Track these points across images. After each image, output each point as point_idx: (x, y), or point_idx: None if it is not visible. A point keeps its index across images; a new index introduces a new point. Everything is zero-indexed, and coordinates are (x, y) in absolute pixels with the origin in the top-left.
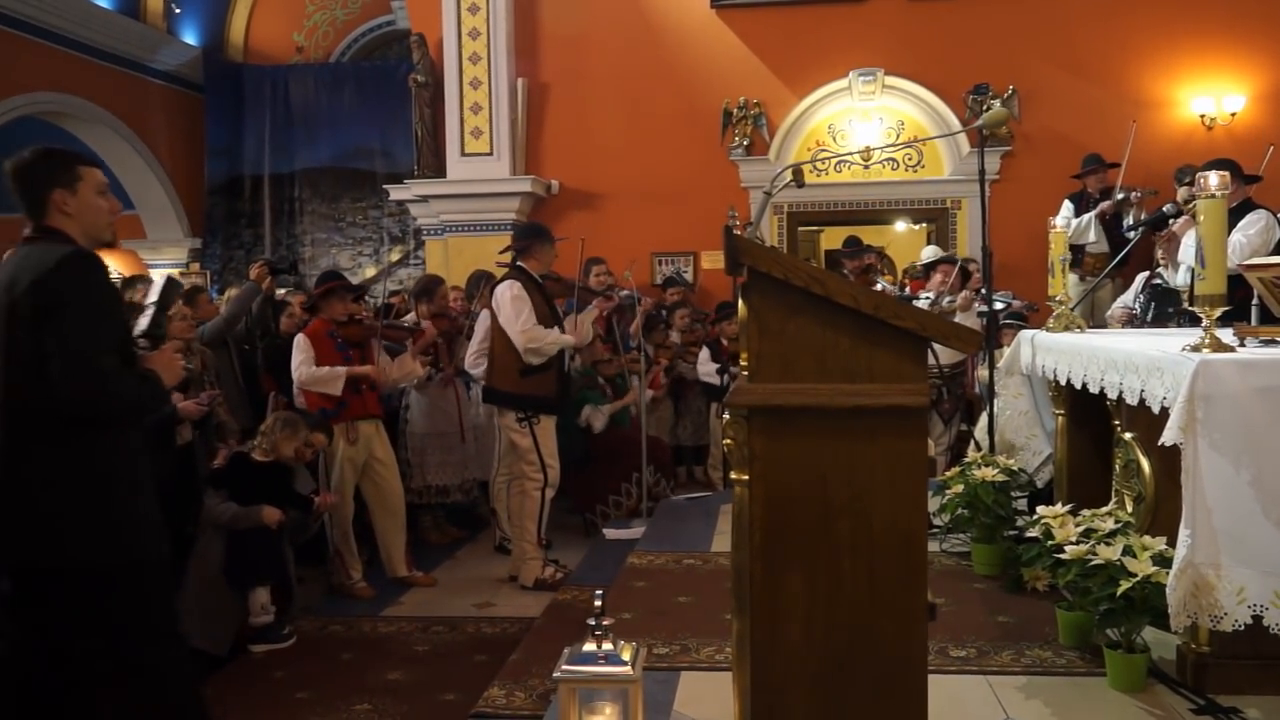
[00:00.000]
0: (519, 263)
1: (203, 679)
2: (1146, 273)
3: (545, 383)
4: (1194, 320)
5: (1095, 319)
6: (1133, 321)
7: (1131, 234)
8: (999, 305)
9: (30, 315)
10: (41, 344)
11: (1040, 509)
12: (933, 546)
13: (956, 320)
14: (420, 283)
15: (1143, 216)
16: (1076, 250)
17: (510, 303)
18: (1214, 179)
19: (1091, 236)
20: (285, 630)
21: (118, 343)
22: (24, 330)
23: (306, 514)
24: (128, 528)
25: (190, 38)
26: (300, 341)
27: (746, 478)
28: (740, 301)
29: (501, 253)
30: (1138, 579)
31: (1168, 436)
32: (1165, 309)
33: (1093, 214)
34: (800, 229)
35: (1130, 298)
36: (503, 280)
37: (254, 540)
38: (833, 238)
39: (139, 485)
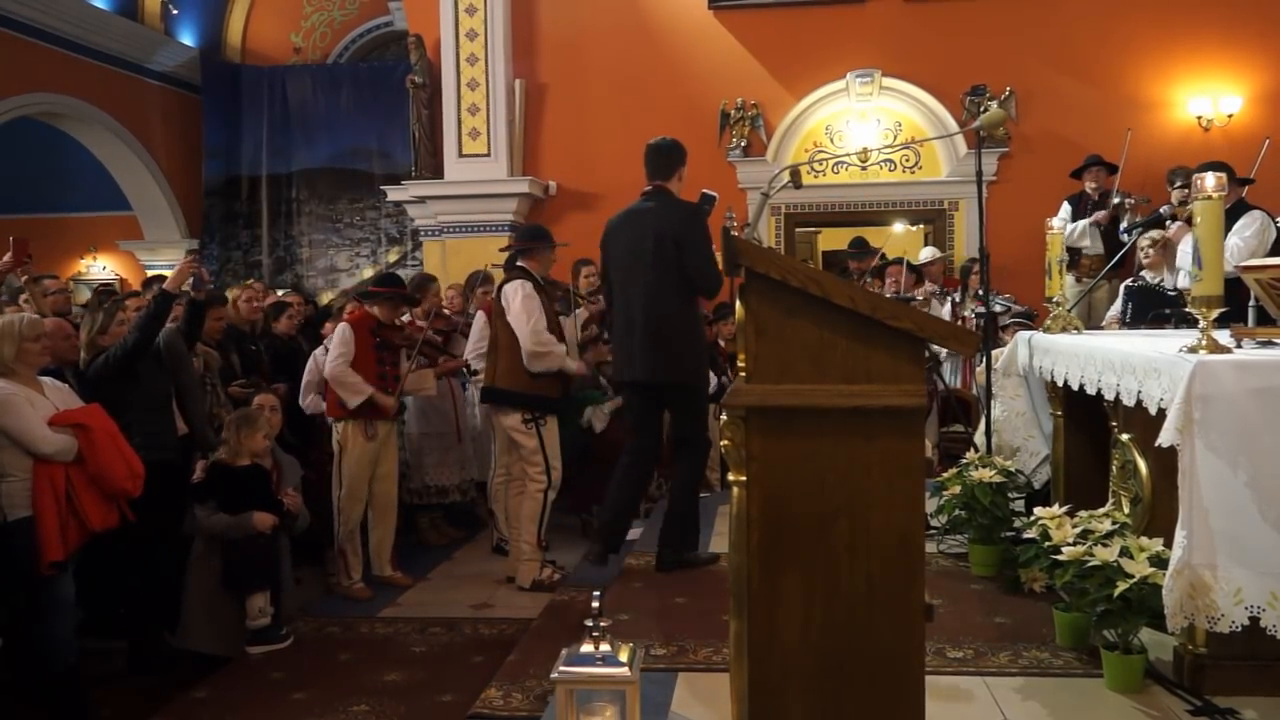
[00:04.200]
0: (519, 263)
1: (204, 679)
2: (1131, 279)
3: (553, 384)
4: (1186, 321)
5: (1092, 320)
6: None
7: (1127, 237)
8: (998, 308)
9: (674, 239)
10: (682, 254)
11: (1037, 510)
12: (930, 547)
13: None
14: (413, 281)
15: (1139, 219)
16: (1073, 252)
17: (522, 302)
18: (1210, 180)
19: (1087, 242)
20: (283, 631)
21: None
22: (669, 246)
23: (284, 517)
24: (705, 361)
25: (187, 39)
26: (343, 333)
27: (744, 478)
28: (738, 302)
29: (502, 250)
30: (1135, 580)
31: (1165, 437)
32: (1144, 309)
33: (1088, 220)
34: (798, 230)
35: (1118, 307)
36: (510, 280)
37: (251, 546)
38: (830, 239)
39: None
